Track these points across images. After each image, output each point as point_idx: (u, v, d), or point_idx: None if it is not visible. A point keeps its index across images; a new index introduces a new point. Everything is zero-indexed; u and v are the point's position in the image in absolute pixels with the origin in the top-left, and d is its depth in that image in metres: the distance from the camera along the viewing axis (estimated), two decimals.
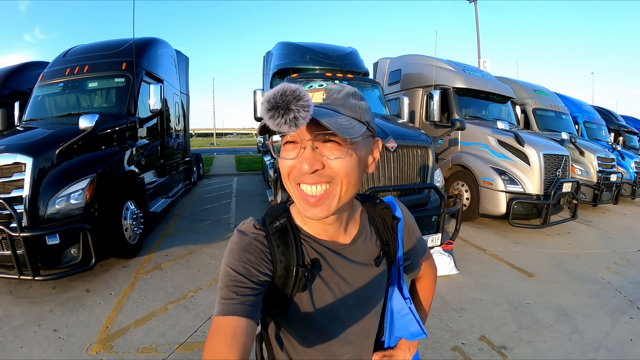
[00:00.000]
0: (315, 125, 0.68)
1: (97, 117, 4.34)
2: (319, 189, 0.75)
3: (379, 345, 1.10)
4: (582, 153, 8.57)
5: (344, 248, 0.90)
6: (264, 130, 0.71)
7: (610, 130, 12.45)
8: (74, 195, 3.94)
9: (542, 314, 3.58)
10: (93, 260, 3.87)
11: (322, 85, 0.78)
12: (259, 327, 0.86)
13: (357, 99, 0.78)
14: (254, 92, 5.73)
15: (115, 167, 4.75)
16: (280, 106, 0.62)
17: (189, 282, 4.11)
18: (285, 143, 0.76)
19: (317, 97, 0.75)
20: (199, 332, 3.12)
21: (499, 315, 3.53)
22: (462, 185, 6.85)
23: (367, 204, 1.00)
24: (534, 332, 3.25)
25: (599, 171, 8.39)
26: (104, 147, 4.84)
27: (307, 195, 0.75)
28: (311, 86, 0.79)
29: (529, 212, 6.22)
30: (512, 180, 6.16)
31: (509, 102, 8.43)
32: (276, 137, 0.77)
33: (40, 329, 3.17)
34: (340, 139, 0.72)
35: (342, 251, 0.90)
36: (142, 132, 5.90)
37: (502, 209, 6.10)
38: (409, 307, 1.04)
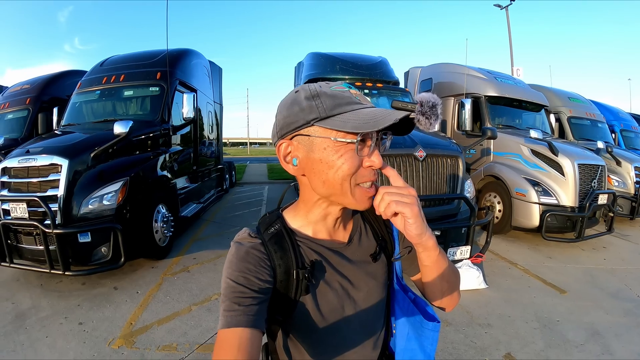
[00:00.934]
0: None
1: (131, 123, 4.52)
2: (370, 184, 0.81)
3: (386, 347, 1.06)
4: (619, 163, 8.21)
5: (342, 246, 0.92)
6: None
7: None
8: (107, 196, 4.12)
9: (572, 332, 3.44)
10: (122, 259, 4.04)
11: (350, 87, 0.82)
12: (265, 337, 0.85)
13: None
14: None
15: (148, 172, 4.92)
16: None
17: (215, 285, 4.17)
18: (361, 140, 0.77)
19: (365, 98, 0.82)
20: None
21: (526, 332, 3.41)
22: (495, 197, 6.68)
23: None
24: (562, 352, 3.12)
25: (637, 182, 8.01)
26: (137, 152, 5.01)
27: (366, 190, 0.80)
28: (350, 87, 0.82)
29: (563, 225, 6.00)
30: (545, 192, 5.97)
31: (543, 110, 8.19)
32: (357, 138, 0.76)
33: (67, 321, 3.32)
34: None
35: (341, 249, 0.91)
36: (175, 139, 6.08)
37: (535, 221, 5.90)
38: (414, 298, 0.98)
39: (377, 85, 6.61)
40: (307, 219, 0.90)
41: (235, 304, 0.75)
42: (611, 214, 6.35)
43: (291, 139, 0.81)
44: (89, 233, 3.91)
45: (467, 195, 4.55)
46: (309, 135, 0.78)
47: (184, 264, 4.81)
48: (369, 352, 0.98)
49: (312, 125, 0.77)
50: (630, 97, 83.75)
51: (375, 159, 0.78)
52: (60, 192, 3.95)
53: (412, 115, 0.78)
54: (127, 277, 4.32)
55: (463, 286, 4.18)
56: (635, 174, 8.10)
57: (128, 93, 5.97)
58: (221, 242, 5.76)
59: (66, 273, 3.84)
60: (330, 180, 0.78)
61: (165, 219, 4.95)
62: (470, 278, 4.24)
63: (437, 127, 6.20)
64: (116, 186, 4.20)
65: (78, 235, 3.89)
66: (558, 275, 4.88)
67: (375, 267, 0.96)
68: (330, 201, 0.85)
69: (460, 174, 4.54)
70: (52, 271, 3.82)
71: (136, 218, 4.39)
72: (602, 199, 6.14)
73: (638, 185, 7.98)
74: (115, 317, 3.42)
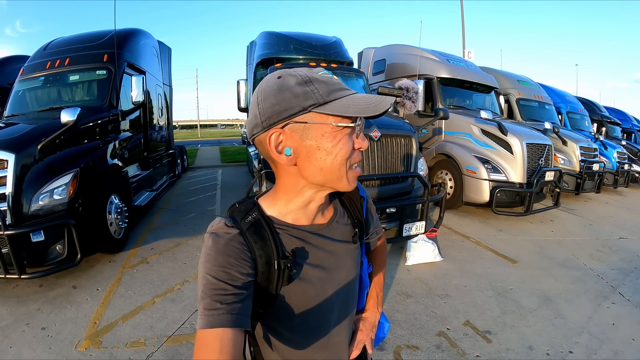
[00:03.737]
0: None
1: (78, 110, 4.35)
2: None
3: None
4: (564, 143, 8.84)
5: (322, 228, 0.92)
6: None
7: (593, 121, 12.85)
8: (58, 190, 3.93)
9: (526, 299, 3.74)
10: (79, 256, 3.88)
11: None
12: None
13: None
14: (238, 82, 5.71)
15: (98, 161, 4.74)
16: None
17: (176, 275, 4.17)
18: (343, 128, 0.79)
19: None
20: (187, 324, 3.20)
21: (483, 301, 3.68)
22: (446, 174, 7.04)
23: None
24: (517, 317, 3.39)
25: (582, 160, 8.68)
26: (86, 141, 4.83)
27: (356, 172, 0.85)
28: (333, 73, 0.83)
29: (512, 200, 6.44)
30: (495, 169, 6.36)
31: (493, 92, 8.65)
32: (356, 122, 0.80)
33: (29, 327, 3.19)
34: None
35: (321, 231, 0.92)
36: (124, 124, 5.90)
37: (486, 197, 6.29)
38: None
39: (332, 65, 6.65)
40: (287, 208, 0.88)
41: (217, 302, 0.72)
42: (557, 190, 6.90)
43: (282, 127, 0.78)
44: (42, 231, 3.73)
45: (421, 173, 4.79)
46: (305, 122, 0.77)
47: (141, 255, 4.72)
48: (347, 330, 1.05)
49: (309, 111, 0.76)
50: (576, 82, 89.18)
51: (364, 142, 0.82)
52: (8, 189, 3.71)
53: (399, 99, 0.87)
54: (85, 275, 4.19)
55: (420, 259, 4.45)
56: (580, 152, 8.80)
57: (74, 78, 5.74)
58: (178, 230, 5.69)
59: (22, 276, 3.62)
60: (328, 166, 0.79)
61: (118, 210, 4.81)
62: (426, 252, 4.50)
63: (420, 108, 6.39)
64: (66, 179, 4.02)
65: (31, 234, 3.68)
66: (509, 246, 5.26)
67: (352, 247, 0.99)
68: (320, 187, 0.85)
69: (414, 153, 4.75)
70: (7, 276, 3.61)
71: (89, 211, 4.24)
72: (549, 176, 6.64)
73: (583, 164, 8.66)
74: (78, 317, 3.34)
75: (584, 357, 2.87)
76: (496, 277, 4.23)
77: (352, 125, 0.78)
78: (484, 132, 6.71)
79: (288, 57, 7.23)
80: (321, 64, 6.63)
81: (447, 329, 3.17)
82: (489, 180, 6.30)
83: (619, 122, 14.76)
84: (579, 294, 3.92)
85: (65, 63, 5.81)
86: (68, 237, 3.87)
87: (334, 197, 1.01)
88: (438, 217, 4.85)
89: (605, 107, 15.93)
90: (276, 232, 0.85)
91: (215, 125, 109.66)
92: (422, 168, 4.95)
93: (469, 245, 5.22)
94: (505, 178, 6.31)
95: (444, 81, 7.70)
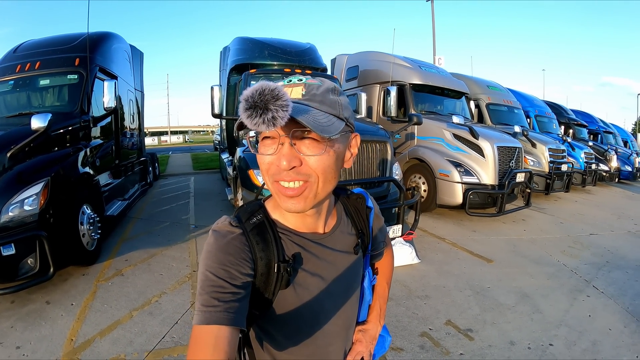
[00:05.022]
0: (293, 121, 0.68)
1: (49, 116, 4.23)
2: (296, 184, 0.76)
3: None
4: (534, 145, 9.25)
5: (323, 237, 0.91)
6: (242, 126, 0.72)
7: (560, 124, 13.39)
8: (28, 201, 3.76)
9: (504, 296, 3.88)
10: (51, 270, 3.71)
11: (301, 80, 0.78)
12: None
13: (337, 94, 0.79)
14: (212, 88, 5.63)
15: (70, 170, 4.58)
16: (258, 105, 0.63)
17: (152, 286, 4.07)
18: (263, 138, 0.77)
19: (296, 93, 0.75)
20: (167, 337, 3.11)
21: (462, 300, 3.79)
22: (420, 178, 7.22)
23: (340, 194, 1.04)
24: (497, 314, 3.51)
25: (551, 162, 9.11)
26: (56, 148, 4.68)
27: (285, 189, 0.76)
28: (290, 80, 0.79)
29: (485, 201, 6.69)
30: (467, 172, 6.59)
31: (464, 97, 8.95)
32: (252, 132, 0.80)
33: (3, 347, 3.05)
34: (318, 136, 0.73)
35: (322, 241, 0.91)
36: (96, 131, 5.76)
37: (459, 199, 6.50)
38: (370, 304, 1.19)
39: (306, 71, 6.73)
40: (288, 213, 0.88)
41: (214, 299, 0.73)
42: (528, 190, 7.20)
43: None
44: (13, 244, 3.54)
45: (396, 177, 4.93)
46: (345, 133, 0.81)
47: (116, 267, 4.58)
48: (344, 341, 1.04)
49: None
50: (544, 86, 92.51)
51: None
52: None
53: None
54: (58, 289, 4.01)
55: (398, 262, 4.54)
56: (549, 154, 9.23)
57: (44, 82, 5.57)
58: (152, 241, 5.54)
59: None
60: (338, 176, 0.82)
61: (91, 220, 4.65)
62: (404, 254, 4.61)
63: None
64: (37, 188, 3.83)
65: (1, 248, 3.50)
66: (484, 246, 5.44)
67: (354, 258, 0.98)
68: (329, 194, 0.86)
69: (389, 157, 4.89)
70: None
71: (61, 222, 4.07)
72: (520, 177, 6.93)
73: (552, 164, 9.09)
74: (54, 334, 3.18)
75: (564, 349, 3.00)
76: (473, 276, 4.36)
77: (253, 135, 0.82)
78: (456, 136, 6.94)
79: (262, 63, 7.27)
80: (296, 70, 6.70)
81: (430, 329, 3.24)
82: (462, 183, 6.50)
83: (585, 124, 15.41)
84: (555, 289, 4.09)
85: (36, 67, 5.64)
86: (40, 250, 3.70)
87: (339, 205, 1.01)
88: (414, 220, 4.96)
89: (572, 110, 16.66)
90: (278, 236, 0.86)
91: (186, 132, 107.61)
92: (397, 172, 5.09)
93: (445, 247, 5.36)
94: (477, 180, 6.54)
95: (416, 87, 7.92)
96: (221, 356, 0.68)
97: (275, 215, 0.89)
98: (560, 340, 3.11)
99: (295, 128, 0.71)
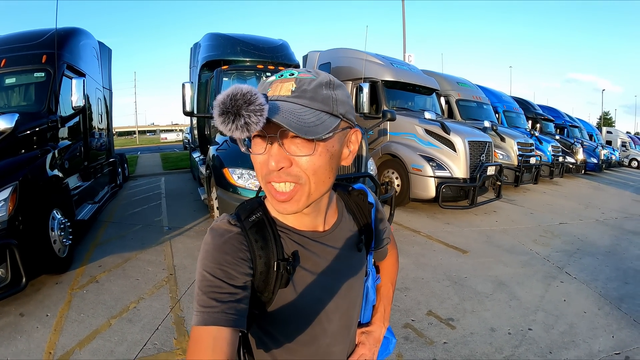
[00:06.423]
0: None
1: (17, 116, 4.09)
2: (287, 186, 0.74)
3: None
4: (503, 139, 9.58)
5: (323, 235, 0.89)
6: None
7: (528, 118, 13.98)
8: None
9: (481, 285, 4.02)
10: (24, 280, 3.50)
11: (293, 75, 0.75)
12: None
13: (331, 88, 0.75)
14: (183, 85, 5.51)
15: (38, 173, 4.35)
16: (230, 111, 0.61)
17: (129, 292, 3.94)
18: (255, 136, 0.74)
19: (285, 89, 0.72)
20: (149, 344, 3.01)
21: (441, 290, 3.90)
22: (393, 173, 7.39)
23: (340, 191, 1.02)
24: (476, 303, 3.64)
25: (519, 155, 9.49)
26: (23, 150, 4.48)
27: (276, 192, 0.75)
28: (282, 75, 0.76)
29: (457, 194, 6.94)
30: (439, 166, 6.79)
31: (434, 93, 9.18)
32: None
33: None
34: None
35: (322, 239, 0.89)
36: (64, 132, 5.54)
37: (432, 193, 6.70)
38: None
39: (279, 68, 6.71)
40: None
41: (212, 300, 0.72)
42: (498, 183, 7.49)
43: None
44: None
45: (371, 172, 4.99)
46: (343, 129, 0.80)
47: (90, 274, 4.40)
48: (347, 342, 1.02)
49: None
50: (511, 82, 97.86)
51: None
52: None
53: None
54: (31, 300, 3.80)
55: None
56: (518, 147, 9.60)
57: (10, 81, 5.35)
58: (125, 245, 5.39)
59: None
60: (334, 175, 0.81)
61: (62, 226, 4.44)
62: None
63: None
64: (5, 194, 3.62)
65: None
66: (458, 238, 5.63)
67: (356, 256, 0.97)
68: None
69: (364, 153, 4.99)
70: None
71: (31, 229, 3.86)
72: (490, 171, 7.21)
73: (520, 158, 9.48)
74: (31, 348, 3.03)
75: (542, 333, 3.15)
76: (450, 267, 4.49)
77: None
78: (428, 131, 7.13)
79: (234, 60, 7.20)
80: (269, 67, 6.70)
81: (412, 320, 3.31)
82: (434, 177, 6.69)
83: (552, 118, 16.07)
84: (529, 276, 4.28)
85: (1, 64, 5.41)
86: (11, 259, 3.46)
87: (340, 201, 0.99)
88: (389, 215, 5.07)
89: (540, 106, 17.31)
90: (278, 235, 0.84)
91: (155, 131, 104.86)
92: (372, 168, 5.20)
93: (420, 240, 5.50)
94: (449, 174, 6.75)
95: (388, 84, 8.07)
96: (220, 357, 0.67)
97: (274, 213, 0.87)
98: (538, 325, 3.27)
99: (283, 127, 0.66)
